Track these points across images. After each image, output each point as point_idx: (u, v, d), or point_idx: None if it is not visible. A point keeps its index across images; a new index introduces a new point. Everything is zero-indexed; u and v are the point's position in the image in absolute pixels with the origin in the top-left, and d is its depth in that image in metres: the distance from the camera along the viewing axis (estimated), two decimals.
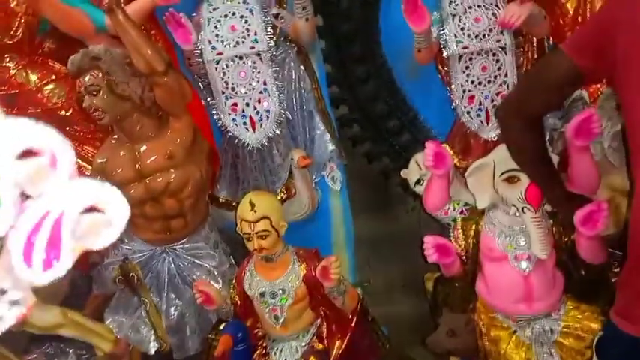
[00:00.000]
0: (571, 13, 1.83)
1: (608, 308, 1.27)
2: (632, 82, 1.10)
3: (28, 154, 0.44)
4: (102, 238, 0.47)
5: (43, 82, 1.86)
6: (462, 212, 1.81)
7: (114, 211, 0.47)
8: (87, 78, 1.67)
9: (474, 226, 1.73)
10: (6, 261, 0.47)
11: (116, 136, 1.81)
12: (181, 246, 1.89)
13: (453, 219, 1.80)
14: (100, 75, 1.67)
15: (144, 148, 1.76)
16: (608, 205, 1.51)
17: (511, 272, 1.62)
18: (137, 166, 1.76)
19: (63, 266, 0.46)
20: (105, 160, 1.80)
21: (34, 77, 1.85)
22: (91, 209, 0.46)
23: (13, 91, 1.85)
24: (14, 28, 1.77)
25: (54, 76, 1.86)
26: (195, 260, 1.90)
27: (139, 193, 1.77)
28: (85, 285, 1.95)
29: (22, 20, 1.77)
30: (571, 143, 1.59)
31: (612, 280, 1.60)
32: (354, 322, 1.76)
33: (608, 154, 1.70)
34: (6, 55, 1.81)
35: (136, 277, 1.79)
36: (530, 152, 1.33)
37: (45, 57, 1.87)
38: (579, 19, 1.81)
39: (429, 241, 1.69)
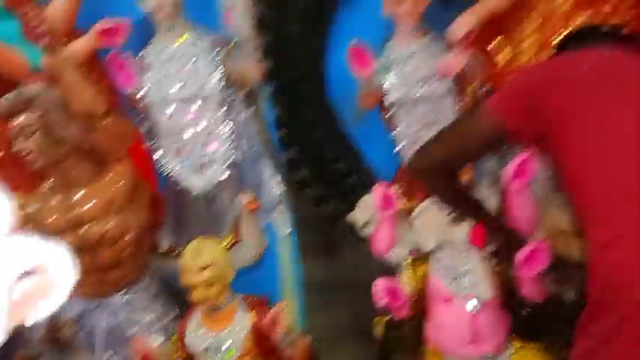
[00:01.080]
0: (508, 58, 1.95)
1: (555, 347, 1.28)
2: (572, 145, 1.11)
3: None
4: (40, 309, 0.41)
5: None
6: (410, 253, 1.83)
7: (58, 274, 0.41)
8: (20, 119, 1.58)
9: (421, 268, 1.75)
10: None
11: (50, 181, 1.70)
12: (119, 299, 1.77)
13: (401, 261, 1.81)
14: (35, 116, 1.58)
15: (79, 194, 1.67)
16: (549, 244, 1.57)
17: (459, 313, 1.64)
18: (71, 214, 1.66)
19: None
20: (36, 208, 1.68)
21: None
22: (30, 273, 0.40)
23: None
24: None
25: None
26: (134, 315, 1.78)
27: (71, 244, 1.65)
28: (8, 345, 1.77)
29: None
30: (508, 185, 1.66)
31: (556, 316, 1.64)
32: None
33: (546, 195, 1.79)
34: None
35: (64, 336, 1.65)
36: (454, 197, 1.34)
37: None
38: (516, 64, 1.94)
39: (379, 284, 1.68)
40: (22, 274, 0.38)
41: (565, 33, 1.42)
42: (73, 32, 1.79)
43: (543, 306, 1.69)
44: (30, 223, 1.67)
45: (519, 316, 1.75)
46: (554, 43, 1.53)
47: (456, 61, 1.84)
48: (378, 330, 1.98)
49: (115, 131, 1.64)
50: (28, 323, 0.39)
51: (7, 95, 1.58)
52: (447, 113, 1.93)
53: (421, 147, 1.36)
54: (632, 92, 1.10)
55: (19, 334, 1.72)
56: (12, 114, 1.58)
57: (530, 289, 1.63)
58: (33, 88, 1.62)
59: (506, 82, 1.69)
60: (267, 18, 1.98)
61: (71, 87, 1.57)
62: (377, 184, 1.77)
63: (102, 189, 1.68)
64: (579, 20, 1.83)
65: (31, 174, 1.74)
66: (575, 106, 1.10)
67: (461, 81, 1.95)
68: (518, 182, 1.60)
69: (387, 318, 1.90)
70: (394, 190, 1.82)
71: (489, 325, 1.63)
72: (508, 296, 1.71)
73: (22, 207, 1.72)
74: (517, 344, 1.67)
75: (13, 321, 0.39)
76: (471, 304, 1.63)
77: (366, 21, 2.01)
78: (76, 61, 1.63)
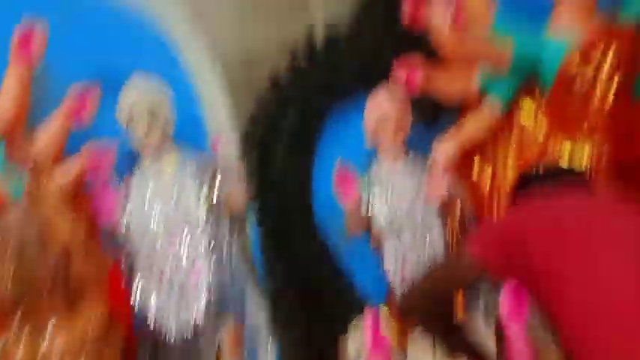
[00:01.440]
0: (488, 179, 1.97)
1: None
2: (565, 297, 1.11)
3: None
4: None
5: None
6: None
7: None
8: None
9: None
10: None
11: (18, 315, 1.58)
12: None
13: None
14: (10, 243, 1.50)
15: (48, 331, 1.54)
16: None
17: None
18: (39, 354, 1.52)
19: None
20: (1, 344, 1.54)
21: None
22: None
23: None
24: None
25: None
26: None
27: None
28: None
29: None
30: (505, 323, 1.59)
31: None
32: None
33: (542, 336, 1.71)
34: None
35: None
36: (445, 336, 1.33)
37: None
38: (496, 183, 1.95)
39: None
40: None
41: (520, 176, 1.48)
42: (61, 156, 1.76)
43: None
44: None
45: None
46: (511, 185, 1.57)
47: (441, 184, 1.86)
48: None
49: (92, 265, 1.56)
50: None
51: None
52: (433, 237, 1.91)
53: (408, 290, 1.39)
54: (620, 241, 1.11)
55: None
56: None
57: None
58: (11, 214, 1.56)
59: (487, 224, 1.70)
60: (253, 143, 2.02)
61: (49, 215, 1.51)
62: (367, 312, 1.70)
63: (72, 327, 1.56)
64: (555, 144, 1.88)
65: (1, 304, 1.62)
66: (560, 257, 1.11)
67: (445, 204, 1.96)
68: (516, 324, 1.55)
69: None
70: (383, 318, 1.74)
71: None
72: None
73: None
74: None
75: None
76: None
77: (350, 141, 2.06)
78: (58, 191, 1.58)
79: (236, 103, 2.04)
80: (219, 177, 1.85)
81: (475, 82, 1.93)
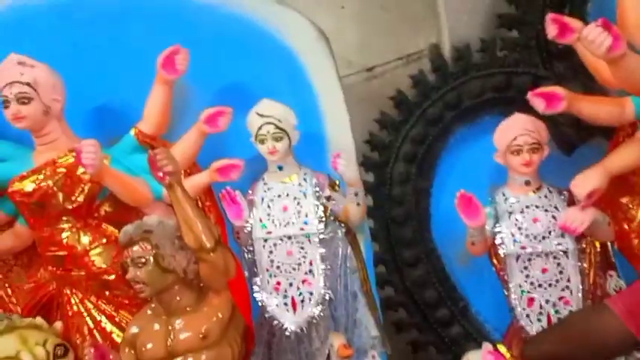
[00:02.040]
0: (637, 219, 1.76)
1: None
2: None
3: None
4: None
5: (93, 246, 1.88)
6: None
7: None
8: (135, 248, 1.67)
9: None
10: None
11: (153, 305, 1.75)
12: None
13: None
14: (149, 247, 1.67)
15: (179, 323, 1.68)
16: None
17: None
18: (168, 342, 1.67)
19: None
20: (137, 331, 1.72)
21: (85, 240, 1.87)
22: None
23: (62, 253, 1.87)
24: (76, 194, 1.84)
25: (104, 240, 1.88)
26: None
27: None
28: None
29: (86, 187, 1.84)
30: None
31: None
32: None
33: None
34: (64, 218, 1.86)
35: None
36: None
37: (100, 220, 1.91)
38: None
39: None
40: None
41: None
42: (194, 166, 1.93)
43: None
44: (129, 344, 1.71)
45: None
46: None
47: (580, 219, 1.68)
48: None
49: (219, 265, 1.67)
50: None
51: (127, 226, 1.69)
52: (568, 273, 1.75)
53: (538, 334, 1.24)
54: None
55: None
56: (130, 244, 1.68)
57: None
58: (151, 220, 1.73)
59: (633, 286, 1.49)
60: (372, 160, 2.01)
61: (185, 221, 1.64)
62: (486, 344, 1.59)
63: (199, 320, 1.69)
64: None
65: (137, 296, 1.80)
66: None
67: (584, 240, 1.78)
68: None
69: None
70: (503, 350, 1.62)
71: None
72: None
73: (127, 327, 1.77)
74: None
75: None
76: None
77: (471, 165, 1.96)
78: (192, 197, 1.73)
79: (358, 119, 2.06)
80: (337, 191, 1.90)
81: (630, 107, 1.72)
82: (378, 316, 1.96)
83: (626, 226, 1.76)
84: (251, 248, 1.90)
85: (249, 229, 1.89)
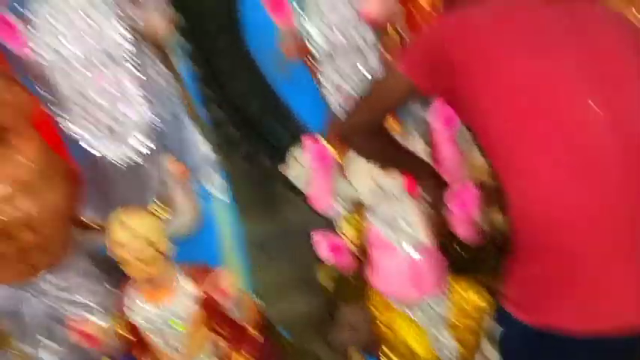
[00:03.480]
0: (426, 6, 1.92)
1: (490, 284, 1.35)
2: (474, 94, 1.13)
3: None
4: None
5: None
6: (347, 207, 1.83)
7: None
8: None
9: (359, 219, 1.77)
10: None
11: None
12: (48, 282, 1.66)
13: (339, 214, 1.82)
14: None
15: None
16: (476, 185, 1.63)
17: (399, 260, 1.69)
18: None
19: None
20: None
21: None
22: None
23: None
24: None
25: None
26: (67, 295, 1.69)
27: None
28: None
29: None
30: (437, 133, 1.69)
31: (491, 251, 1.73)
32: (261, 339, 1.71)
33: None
34: None
35: None
36: (384, 154, 1.37)
37: None
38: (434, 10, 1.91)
39: (319, 239, 1.68)
40: None
41: None
42: None
43: (479, 247, 1.77)
44: None
45: (457, 257, 1.83)
46: None
47: (376, 5, 1.78)
48: (323, 279, 2.02)
49: (11, 102, 1.46)
50: None
51: None
52: (370, 61, 1.88)
53: (346, 115, 1.38)
54: (536, 22, 1.10)
55: None
56: None
57: (464, 230, 1.70)
58: None
59: (412, 39, 1.68)
60: None
61: None
62: (306, 139, 1.74)
63: (9, 169, 1.53)
64: None
65: None
66: (473, 53, 1.10)
67: (382, 28, 1.90)
68: (447, 131, 1.64)
69: (332, 270, 1.93)
70: (324, 143, 1.79)
71: (429, 268, 1.70)
72: (446, 239, 1.79)
73: None
74: (453, 283, 1.75)
75: None
76: (410, 250, 1.68)
77: None
78: None
79: None
80: (137, 2, 1.69)
81: None
82: (208, 135, 1.98)
83: (418, 11, 1.92)
84: (47, 79, 1.65)
85: (37, 57, 1.61)
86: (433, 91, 1.24)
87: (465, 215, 1.62)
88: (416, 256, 1.65)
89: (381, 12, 1.80)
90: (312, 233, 1.70)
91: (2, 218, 1.52)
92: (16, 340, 1.67)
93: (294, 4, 1.81)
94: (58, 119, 1.69)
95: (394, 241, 1.68)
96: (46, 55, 1.62)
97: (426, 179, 1.59)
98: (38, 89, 1.66)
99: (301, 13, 1.83)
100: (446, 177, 1.63)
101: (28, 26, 1.60)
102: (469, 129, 1.44)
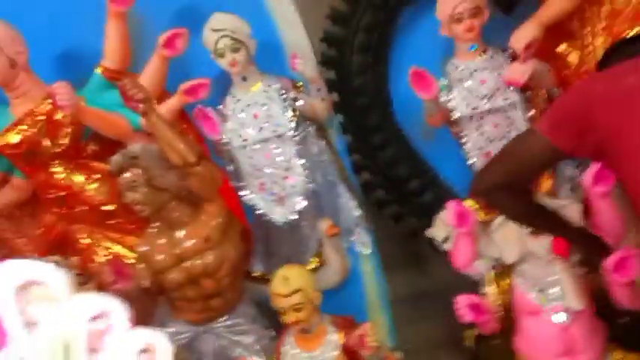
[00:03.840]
0: (575, 63, 1.91)
1: None
2: (628, 157, 1.13)
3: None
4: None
5: (88, 182, 2.03)
6: (493, 267, 1.84)
7: (160, 351, 0.56)
8: (126, 175, 1.83)
9: (507, 281, 1.76)
10: None
11: (156, 225, 1.94)
12: (222, 324, 1.96)
13: (483, 275, 1.83)
14: (139, 172, 1.83)
15: (182, 233, 1.89)
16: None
17: (549, 326, 1.63)
18: (176, 251, 1.88)
19: None
20: (147, 248, 1.93)
21: (79, 179, 2.02)
22: (145, 350, 0.55)
23: (62, 193, 2.03)
24: (61, 138, 1.97)
25: (98, 175, 2.03)
26: (235, 337, 1.96)
27: (178, 277, 1.88)
28: None
29: (69, 130, 1.97)
30: (590, 191, 1.63)
31: None
32: None
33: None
34: (55, 161, 2.00)
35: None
36: (524, 214, 1.36)
37: (89, 159, 2.05)
38: (584, 68, 1.89)
39: (462, 301, 1.72)
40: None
41: (609, 46, 1.38)
42: (164, 93, 2.04)
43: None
44: (142, 261, 1.92)
45: (617, 324, 1.70)
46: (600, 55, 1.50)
47: (521, 71, 1.82)
48: (469, 342, 2.00)
49: (206, 176, 1.85)
50: None
51: (115, 156, 1.84)
52: (517, 124, 1.92)
53: (481, 170, 1.42)
54: None
55: None
56: (120, 172, 1.83)
57: (623, 297, 1.58)
58: (135, 147, 1.88)
59: (557, 99, 1.66)
60: (330, 56, 2.11)
61: (167, 142, 1.79)
62: (449, 202, 1.81)
63: (199, 228, 1.89)
64: None
65: (140, 220, 1.99)
66: (628, 117, 1.10)
67: (529, 91, 1.94)
68: (599, 188, 1.57)
69: (477, 331, 1.92)
70: (468, 206, 1.85)
71: (582, 335, 1.61)
72: (603, 305, 1.67)
73: (136, 248, 1.98)
74: (618, 355, 1.62)
75: None
76: (562, 315, 1.62)
77: (423, 44, 2.07)
78: (168, 119, 1.86)
79: (313, 20, 2.13)
80: (302, 91, 2.03)
81: None
82: (358, 198, 2.18)
83: (566, 72, 1.92)
84: (232, 158, 2.07)
85: (226, 141, 2.04)
86: (578, 151, 1.24)
87: (625, 281, 1.52)
88: (567, 322, 1.58)
89: (526, 76, 1.84)
90: (458, 292, 1.74)
91: (191, 267, 1.86)
92: None
93: (439, 77, 1.96)
94: (239, 189, 2.07)
95: (543, 307, 1.64)
96: (233, 141, 2.04)
97: (578, 243, 1.53)
98: (225, 165, 2.07)
99: (445, 83, 1.97)
100: (602, 239, 1.56)
101: (221, 116, 2.03)
102: (623, 189, 1.38)
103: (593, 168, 1.59)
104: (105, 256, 2.07)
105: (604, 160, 1.23)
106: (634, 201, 1.16)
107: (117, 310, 0.54)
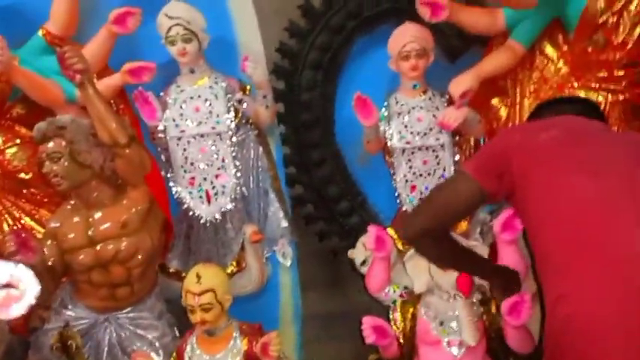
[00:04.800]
0: (503, 118, 2.05)
1: None
2: (532, 201, 1.19)
3: None
4: (13, 310, 0.55)
5: (7, 146, 1.92)
6: (401, 295, 1.90)
7: (26, 287, 0.55)
8: (50, 145, 1.75)
9: (411, 310, 1.82)
10: None
11: (72, 202, 1.85)
12: (125, 315, 1.89)
13: (393, 301, 1.88)
14: (64, 143, 1.75)
15: (98, 214, 1.82)
16: (533, 297, 1.63)
17: (444, 357, 1.70)
18: (89, 232, 1.81)
19: None
20: (58, 224, 1.84)
21: None
22: (7, 285, 0.54)
23: None
24: None
25: (18, 140, 1.93)
26: (138, 331, 1.89)
27: (87, 259, 1.80)
28: (22, 350, 1.90)
29: None
30: (499, 237, 1.74)
31: None
32: None
33: None
34: None
35: (74, 345, 1.77)
36: (449, 257, 1.36)
37: (12, 121, 1.94)
38: (510, 123, 2.04)
39: (367, 322, 1.76)
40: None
41: (538, 102, 1.52)
42: (105, 69, 1.98)
43: (529, 356, 1.73)
44: (51, 237, 1.83)
45: None
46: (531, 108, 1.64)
47: (454, 116, 1.94)
48: None
49: (135, 160, 1.79)
50: (4, 318, 0.53)
51: (40, 123, 1.76)
52: (444, 164, 2.03)
53: (410, 215, 1.42)
54: (590, 152, 1.18)
55: (36, 340, 1.85)
56: (44, 140, 1.75)
57: (513, 339, 1.68)
58: (65, 117, 1.80)
59: (481, 148, 1.77)
60: (283, 67, 2.14)
61: (99, 118, 1.73)
62: (371, 226, 1.87)
63: (118, 212, 1.83)
64: (574, 85, 1.92)
65: (56, 194, 1.90)
66: (536, 166, 1.18)
67: (459, 135, 2.05)
68: (506, 236, 1.69)
69: (379, 356, 1.96)
70: (388, 233, 1.91)
71: None
72: (496, 344, 1.77)
73: (47, 222, 1.88)
74: None
75: None
76: (456, 349, 1.70)
77: (372, 73, 2.15)
78: (105, 96, 1.80)
79: (274, 30, 2.14)
80: (248, 95, 2.04)
81: (501, 18, 1.96)
82: (287, 210, 2.19)
83: (495, 124, 2.06)
84: (166, 147, 2.03)
85: (162, 128, 2.00)
86: (498, 195, 1.27)
87: (516, 324, 1.62)
88: (461, 356, 1.65)
89: (458, 121, 1.95)
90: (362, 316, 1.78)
91: (102, 251, 1.78)
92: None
93: (381, 108, 2.03)
94: (168, 180, 2.03)
95: (442, 338, 1.71)
96: (170, 130, 2.00)
97: (491, 279, 1.57)
98: (158, 153, 2.02)
99: (384, 115, 2.05)
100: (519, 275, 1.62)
101: (161, 103, 1.99)
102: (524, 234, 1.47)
103: (504, 216, 1.72)
104: (12, 225, 1.96)
105: (513, 203, 1.30)
106: (532, 246, 1.24)
107: None
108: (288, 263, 2.21)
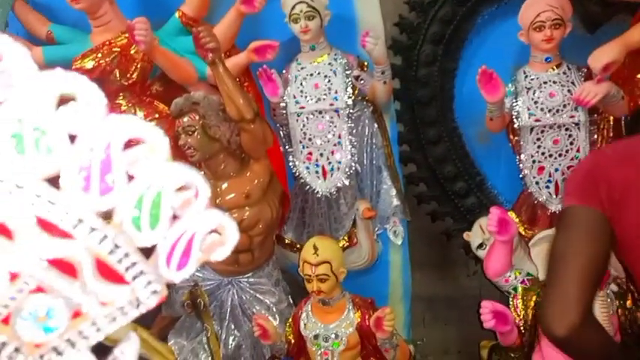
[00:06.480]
0: None
1: None
2: (628, 218, 0.98)
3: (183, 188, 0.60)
4: (217, 254, 0.62)
5: (147, 120, 2.10)
6: (523, 282, 1.80)
7: (228, 235, 0.61)
8: (185, 119, 1.89)
9: (534, 297, 1.72)
10: (154, 261, 0.61)
11: (202, 173, 1.99)
12: (246, 280, 2.01)
13: (513, 287, 1.80)
14: (197, 118, 1.88)
15: (225, 185, 1.94)
16: None
17: None
18: (217, 201, 1.94)
19: (189, 271, 0.61)
20: None
21: (140, 114, 2.10)
22: (213, 231, 0.60)
23: None
24: (131, 72, 2.05)
25: (157, 115, 2.11)
26: (257, 295, 2.01)
27: None
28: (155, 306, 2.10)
29: (139, 65, 2.05)
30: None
31: None
32: None
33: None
34: (120, 94, 2.08)
35: (202, 303, 1.92)
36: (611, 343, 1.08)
37: (152, 97, 2.13)
38: None
39: (487, 306, 1.70)
40: (209, 231, 0.59)
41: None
42: (233, 48, 2.09)
43: None
44: None
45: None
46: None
47: (594, 91, 1.77)
48: (484, 353, 1.98)
49: (258, 134, 1.88)
50: (212, 260, 0.60)
51: (177, 99, 1.90)
52: (578, 143, 1.88)
53: (548, 306, 0.95)
54: None
55: (168, 297, 2.03)
56: (180, 114, 1.90)
57: None
58: (198, 94, 1.93)
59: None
60: (401, 42, 2.10)
61: (228, 94, 1.83)
62: (494, 208, 1.79)
63: (242, 183, 1.94)
64: None
65: (190, 165, 2.05)
66: (632, 181, 0.99)
67: (597, 113, 1.88)
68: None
69: (493, 342, 1.90)
70: (512, 216, 1.82)
71: None
72: (631, 341, 1.62)
73: None
74: None
75: (203, 259, 0.60)
76: None
77: (497, 46, 2.04)
78: (233, 73, 1.90)
79: (391, 3, 2.13)
80: (366, 71, 2.04)
81: None
82: (400, 188, 2.17)
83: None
84: (286, 122, 2.10)
85: (284, 105, 2.07)
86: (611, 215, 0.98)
87: None
88: None
89: (598, 98, 1.76)
90: (481, 302, 1.72)
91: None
92: (213, 318, 2.02)
93: (507, 83, 1.92)
94: (287, 154, 2.11)
95: None
96: (290, 106, 2.07)
97: None
98: (278, 129, 2.10)
99: (511, 90, 1.93)
100: None
101: (283, 80, 2.06)
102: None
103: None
104: None
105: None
106: (627, 262, 1.05)
107: (202, 186, 0.59)
108: (399, 242, 2.20)
